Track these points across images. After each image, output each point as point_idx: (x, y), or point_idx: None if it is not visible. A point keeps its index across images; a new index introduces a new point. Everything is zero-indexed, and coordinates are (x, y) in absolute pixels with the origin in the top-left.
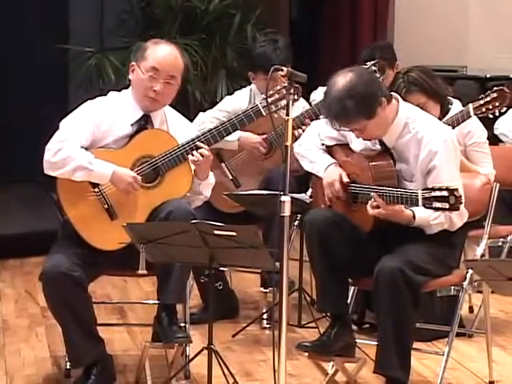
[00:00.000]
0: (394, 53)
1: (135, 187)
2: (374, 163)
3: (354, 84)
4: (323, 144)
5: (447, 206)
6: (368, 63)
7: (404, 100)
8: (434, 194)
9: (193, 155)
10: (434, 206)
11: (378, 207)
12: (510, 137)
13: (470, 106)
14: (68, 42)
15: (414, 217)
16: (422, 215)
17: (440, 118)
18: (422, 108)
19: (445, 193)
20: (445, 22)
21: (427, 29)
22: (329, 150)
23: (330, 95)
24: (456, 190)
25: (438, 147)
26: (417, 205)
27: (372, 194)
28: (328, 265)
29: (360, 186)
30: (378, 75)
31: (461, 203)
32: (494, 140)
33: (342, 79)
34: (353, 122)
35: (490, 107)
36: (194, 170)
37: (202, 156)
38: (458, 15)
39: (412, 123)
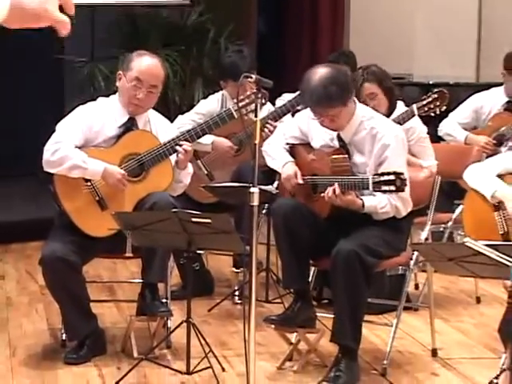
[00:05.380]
0: (356, 60)
1: (123, 183)
2: (332, 157)
3: (336, 73)
4: (288, 143)
5: (394, 188)
6: None
7: (359, 89)
8: (382, 178)
9: (177, 150)
10: (382, 189)
11: (334, 194)
12: (454, 135)
13: (414, 106)
14: (63, 52)
15: (363, 205)
16: (371, 203)
17: (387, 116)
18: (372, 98)
19: (392, 176)
20: (394, 35)
21: (378, 41)
22: (293, 148)
23: (312, 83)
24: (402, 173)
25: (390, 141)
26: (368, 189)
27: (336, 184)
28: (291, 246)
29: (319, 177)
30: None
31: (405, 185)
32: (436, 139)
33: (323, 70)
34: (332, 107)
35: (432, 106)
36: (176, 161)
37: (186, 151)
38: (405, 29)
39: (367, 121)
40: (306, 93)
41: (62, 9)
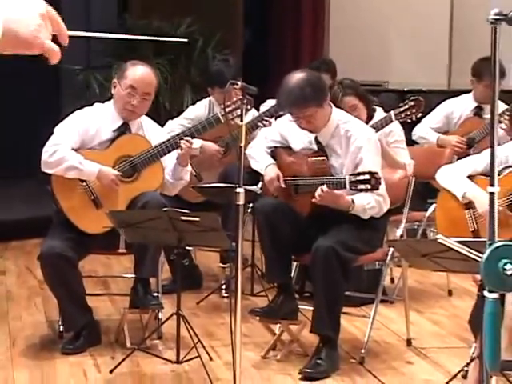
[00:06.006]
0: (336, 68)
1: (117, 183)
2: (311, 159)
3: (311, 77)
4: (270, 147)
5: (369, 186)
6: None
7: (340, 102)
8: (358, 178)
9: (166, 153)
10: (358, 187)
11: (321, 195)
12: (427, 137)
13: (392, 112)
14: (60, 61)
15: (353, 201)
16: (359, 201)
17: (366, 122)
18: (354, 110)
19: (367, 176)
20: (371, 45)
21: (357, 50)
22: (274, 151)
23: (289, 85)
24: (376, 173)
25: (363, 143)
26: (345, 188)
27: (325, 185)
28: (273, 242)
29: (300, 178)
30: None
31: (380, 184)
32: (410, 143)
33: (299, 74)
34: (308, 108)
35: (409, 113)
36: (177, 158)
37: (187, 147)
38: (382, 39)
39: (343, 124)
40: (284, 95)
41: (55, 38)
